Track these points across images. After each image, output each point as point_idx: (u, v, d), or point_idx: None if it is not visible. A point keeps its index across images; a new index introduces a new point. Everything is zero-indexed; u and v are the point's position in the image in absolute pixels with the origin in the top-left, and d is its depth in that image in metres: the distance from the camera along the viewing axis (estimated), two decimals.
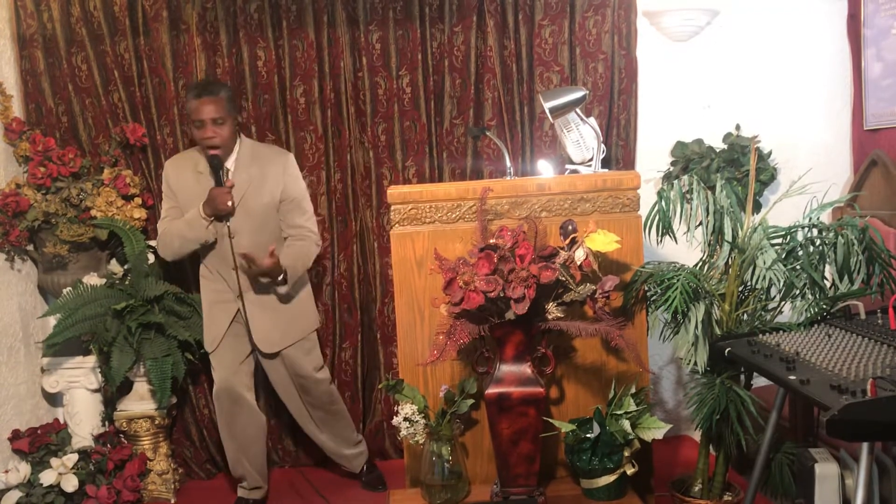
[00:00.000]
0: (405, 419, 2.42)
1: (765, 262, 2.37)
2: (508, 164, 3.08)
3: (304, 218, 3.13)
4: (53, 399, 3.52)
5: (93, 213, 3.29)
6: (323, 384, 3.24)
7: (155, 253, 3.49)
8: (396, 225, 2.62)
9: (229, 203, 2.94)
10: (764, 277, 2.37)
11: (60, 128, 3.50)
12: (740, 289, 2.52)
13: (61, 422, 3.47)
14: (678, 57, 3.67)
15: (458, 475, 2.47)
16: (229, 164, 3.06)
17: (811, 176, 2.69)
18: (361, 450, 3.42)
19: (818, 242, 2.39)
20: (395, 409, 2.47)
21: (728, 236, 2.48)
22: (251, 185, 3.04)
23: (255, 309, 3.07)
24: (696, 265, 2.63)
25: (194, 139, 3.06)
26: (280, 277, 2.98)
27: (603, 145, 2.93)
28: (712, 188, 2.57)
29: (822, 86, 3.70)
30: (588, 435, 2.39)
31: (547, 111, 2.81)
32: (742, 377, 2.55)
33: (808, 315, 2.31)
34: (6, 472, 3.14)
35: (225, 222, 2.97)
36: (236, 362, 3.14)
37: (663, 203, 2.52)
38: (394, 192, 2.63)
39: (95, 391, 3.40)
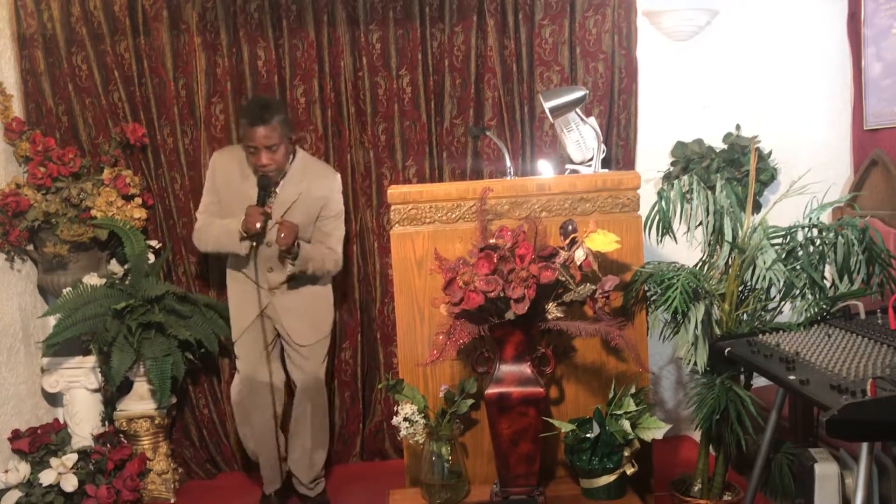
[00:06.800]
0: (405, 419, 2.42)
1: (765, 262, 2.37)
2: (508, 164, 3.08)
3: (332, 240, 3.16)
4: (53, 399, 3.52)
5: (93, 213, 3.29)
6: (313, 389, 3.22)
7: (155, 252, 3.50)
8: (396, 225, 2.62)
9: (258, 225, 2.94)
10: (764, 277, 2.37)
11: (60, 128, 3.50)
12: (740, 289, 2.51)
13: (61, 422, 3.47)
14: (678, 57, 3.67)
15: (457, 475, 2.47)
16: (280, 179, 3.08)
17: (811, 176, 2.69)
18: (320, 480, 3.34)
19: (818, 242, 2.39)
20: (395, 409, 2.47)
21: (728, 236, 2.48)
22: (298, 199, 3.07)
23: (283, 306, 3.12)
24: (696, 265, 2.63)
25: (248, 162, 3.05)
26: (293, 252, 3.00)
27: (603, 145, 2.93)
28: (712, 188, 2.57)
29: (822, 86, 3.70)
30: (588, 435, 2.40)
31: (547, 111, 2.81)
32: (742, 377, 2.55)
33: (808, 315, 2.30)
34: (6, 471, 3.14)
35: (258, 243, 2.98)
36: (258, 354, 3.17)
37: (663, 203, 2.52)
38: (394, 191, 2.63)
39: (95, 391, 3.40)
